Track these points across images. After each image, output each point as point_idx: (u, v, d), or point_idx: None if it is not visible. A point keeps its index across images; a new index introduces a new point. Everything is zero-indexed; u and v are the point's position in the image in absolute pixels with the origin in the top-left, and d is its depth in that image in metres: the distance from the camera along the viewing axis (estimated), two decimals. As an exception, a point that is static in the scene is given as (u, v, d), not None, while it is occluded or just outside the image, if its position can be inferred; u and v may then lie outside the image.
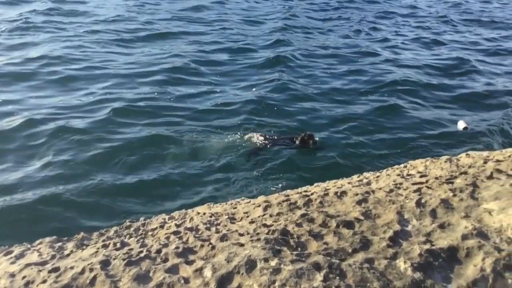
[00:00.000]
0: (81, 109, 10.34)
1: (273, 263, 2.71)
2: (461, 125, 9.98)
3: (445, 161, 4.44)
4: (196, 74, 13.00)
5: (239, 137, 9.36)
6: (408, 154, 8.66)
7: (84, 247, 3.63)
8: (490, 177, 3.70)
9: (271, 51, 15.18)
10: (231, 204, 4.48)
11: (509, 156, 4.28)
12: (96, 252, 3.28)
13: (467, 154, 4.80)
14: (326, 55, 15.37)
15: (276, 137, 9.37)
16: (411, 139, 9.61)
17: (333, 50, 15.88)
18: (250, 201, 4.38)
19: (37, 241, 3.97)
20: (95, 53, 14.12)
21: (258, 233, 3.24)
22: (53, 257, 3.39)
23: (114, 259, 3.02)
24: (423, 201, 3.39)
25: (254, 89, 12.07)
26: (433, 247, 2.77)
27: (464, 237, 2.84)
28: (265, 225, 3.41)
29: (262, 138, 9.21)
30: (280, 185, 7.48)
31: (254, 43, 16.30)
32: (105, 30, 16.41)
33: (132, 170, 7.90)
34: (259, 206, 3.95)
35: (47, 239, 3.98)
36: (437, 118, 10.71)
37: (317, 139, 9.11)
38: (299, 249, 2.97)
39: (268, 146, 9.00)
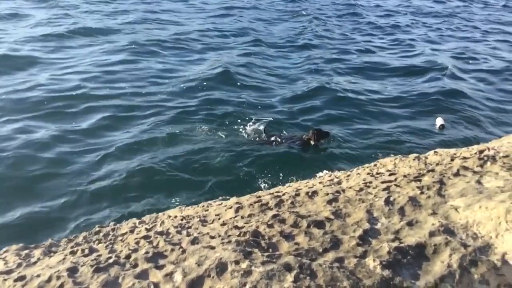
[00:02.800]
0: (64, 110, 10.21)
1: (244, 265, 2.70)
2: (438, 122, 10.13)
3: (414, 159, 4.52)
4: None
5: (224, 132, 9.30)
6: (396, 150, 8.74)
7: (52, 254, 3.55)
8: (456, 174, 3.77)
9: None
10: (203, 206, 4.45)
11: (476, 153, 4.37)
12: (64, 259, 3.21)
13: (435, 152, 4.89)
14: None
15: (279, 138, 9.18)
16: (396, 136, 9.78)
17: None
18: (222, 203, 4.37)
19: (3, 249, 3.86)
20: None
21: (229, 235, 3.23)
22: (19, 265, 3.31)
23: (82, 266, 2.96)
24: (391, 199, 3.43)
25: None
26: (402, 245, 2.80)
27: (432, 234, 2.89)
28: (236, 227, 3.39)
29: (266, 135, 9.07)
30: (259, 184, 7.45)
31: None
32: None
33: (103, 171, 7.76)
34: (230, 208, 3.94)
35: (14, 246, 3.88)
36: (416, 116, 10.90)
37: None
38: (270, 250, 2.97)
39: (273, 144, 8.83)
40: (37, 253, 3.58)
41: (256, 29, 18.41)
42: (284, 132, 9.61)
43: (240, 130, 9.52)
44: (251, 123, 9.72)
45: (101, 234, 3.90)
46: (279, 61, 14.83)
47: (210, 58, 14.40)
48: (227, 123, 9.87)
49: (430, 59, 15.64)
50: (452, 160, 4.23)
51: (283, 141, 9.00)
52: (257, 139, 9.14)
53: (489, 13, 25.41)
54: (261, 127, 9.49)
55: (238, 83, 12.22)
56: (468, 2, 28.10)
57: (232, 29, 18.29)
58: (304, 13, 21.79)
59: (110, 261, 2.99)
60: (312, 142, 8.75)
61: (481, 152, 4.36)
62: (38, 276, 2.96)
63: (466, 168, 3.89)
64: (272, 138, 9.08)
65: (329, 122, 10.25)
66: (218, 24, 18.84)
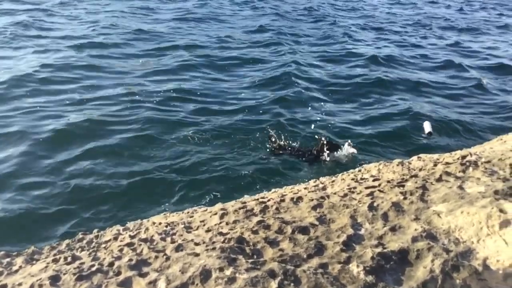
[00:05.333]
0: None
1: (228, 272, 2.70)
2: (426, 128, 10.13)
3: (397, 165, 4.55)
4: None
5: (230, 140, 9.21)
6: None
7: (34, 262, 3.50)
8: (439, 180, 3.81)
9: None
10: (188, 212, 4.43)
11: (458, 159, 4.43)
12: (46, 267, 3.17)
13: (418, 157, 4.94)
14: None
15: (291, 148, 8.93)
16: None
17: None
18: (207, 209, 4.35)
19: (-16, 258, 3.80)
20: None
21: (214, 242, 3.22)
22: (0, 273, 3.26)
23: (64, 274, 2.93)
24: (375, 204, 3.46)
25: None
26: (385, 250, 2.82)
27: (414, 240, 2.91)
28: (221, 234, 3.39)
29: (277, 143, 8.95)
30: (245, 191, 7.36)
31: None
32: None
33: (87, 177, 7.66)
34: (215, 214, 3.93)
35: (-5, 254, 3.82)
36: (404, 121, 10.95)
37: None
38: (255, 256, 2.97)
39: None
40: (19, 261, 3.53)
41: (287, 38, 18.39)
42: (293, 143, 9.45)
43: (249, 138, 9.40)
44: (262, 133, 9.58)
45: (84, 241, 3.85)
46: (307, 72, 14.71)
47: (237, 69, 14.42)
48: (233, 130, 9.78)
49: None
50: (435, 165, 4.27)
51: (293, 152, 8.83)
52: (270, 149, 8.98)
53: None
54: (273, 138, 9.34)
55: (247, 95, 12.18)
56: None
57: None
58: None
59: (93, 269, 2.96)
60: (323, 154, 8.54)
61: (463, 157, 4.42)
62: (20, 284, 2.93)
63: (448, 174, 3.93)
64: (282, 149, 8.93)
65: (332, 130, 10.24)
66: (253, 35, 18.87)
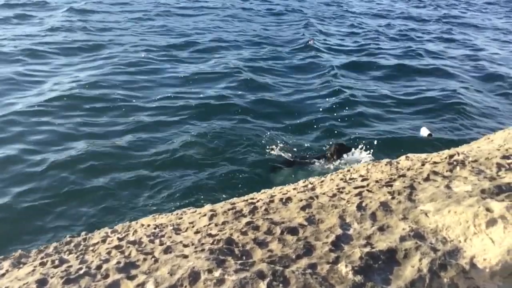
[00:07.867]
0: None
1: (216, 273, 2.69)
2: (424, 132, 10.08)
3: (386, 164, 4.57)
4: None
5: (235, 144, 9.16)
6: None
7: (21, 265, 3.46)
8: (426, 179, 3.84)
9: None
10: (177, 214, 4.41)
11: (446, 158, 4.45)
12: (33, 270, 3.14)
13: (406, 157, 4.96)
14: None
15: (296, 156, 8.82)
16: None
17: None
18: (196, 210, 4.34)
19: (-30, 262, 3.75)
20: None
21: (202, 244, 3.21)
22: (-14, 278, 3.22)
23: (52, 277, 2.90)
24: (363, 204, 3.47)
25: None
26: (373, 250, 2.83)
27: (402, 239, 2.93)
28: (210, 235, 3.38)
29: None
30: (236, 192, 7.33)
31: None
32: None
33: (78, 178, 7.62)
34: (204, 215, 3.92)
35: (-19, 258, 3.78)
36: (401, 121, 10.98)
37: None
38: (244, 258, 2.96)
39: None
40: (5, 264, 3.49)
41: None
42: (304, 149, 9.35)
43: (249, 141, 9.33)
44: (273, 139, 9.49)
45: (72, 244, 3.82)
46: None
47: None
48: (231, 132, 9.74)
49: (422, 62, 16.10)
50: (422, 165, 4.30)
51: (306, 159, 8.69)
52: (283, 156, 8.88)
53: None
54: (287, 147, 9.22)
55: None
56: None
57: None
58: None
59: (81, 272, 2.94)
60: (334, 157, 8.38)
61: (451, 157, 4.45)
62: (6, 288, 2.90)
63: (436, 173, 3.96)
64: (296, 156, 8.80)
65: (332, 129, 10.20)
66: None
